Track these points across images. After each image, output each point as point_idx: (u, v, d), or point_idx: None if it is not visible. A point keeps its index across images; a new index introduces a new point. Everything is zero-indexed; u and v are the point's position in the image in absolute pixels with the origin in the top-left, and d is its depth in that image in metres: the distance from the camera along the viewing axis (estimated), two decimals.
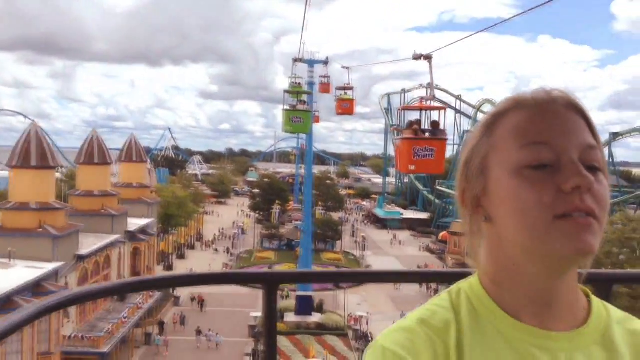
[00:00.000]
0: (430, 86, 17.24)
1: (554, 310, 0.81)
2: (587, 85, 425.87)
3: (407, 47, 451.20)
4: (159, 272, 49.03)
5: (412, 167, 16.37)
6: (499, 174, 0.79)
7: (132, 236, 37.31)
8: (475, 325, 0.80)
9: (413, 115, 17.23)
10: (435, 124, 16.52)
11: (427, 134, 16.19)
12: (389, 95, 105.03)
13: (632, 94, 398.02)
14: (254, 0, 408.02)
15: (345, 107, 36.54)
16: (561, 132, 0.77)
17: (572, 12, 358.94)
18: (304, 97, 31.63)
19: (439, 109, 17.55)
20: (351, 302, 39.12)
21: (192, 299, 40.28)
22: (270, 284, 1.43)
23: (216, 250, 61.16)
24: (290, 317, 36.34)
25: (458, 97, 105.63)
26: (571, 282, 0.82)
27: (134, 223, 38.30)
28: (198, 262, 51.81)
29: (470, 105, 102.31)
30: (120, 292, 1.88)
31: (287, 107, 29.92)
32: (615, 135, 53.21)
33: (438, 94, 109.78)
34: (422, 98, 17.25)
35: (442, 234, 60.05)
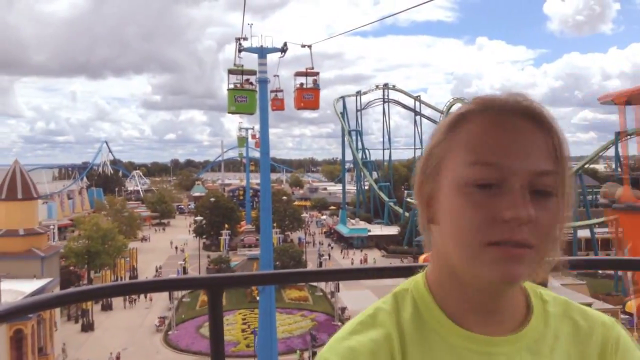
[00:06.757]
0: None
1: (497, 316, 0.82)
2: (523, 83, 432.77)
3: (351, 52, 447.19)
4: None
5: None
6: (446, 184, 0.78)
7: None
8: (417, 331, 0.81)
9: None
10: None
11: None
12: (343, 98, 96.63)
13: (565, 90, 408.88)
14: (197, 9, 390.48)
15: (309, 99, 31.03)
16: (514, 153, 0.75)
17: (508, 13, 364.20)
18: (251, 79, 28.38)
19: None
20: None
21: None
22: (213, 289, 1.39)
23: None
24: None
25: (417, 98, 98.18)
26: (514, 290, 0.83)
27: (17, 291, 26.49)
28: (127, 315, 39.99)
29: (429, 106, 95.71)
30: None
31: (231, 86, 28.29)
32: (620, 135, 47.97)
33: (395, 95, 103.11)
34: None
35: (424, 257, 50.65)
